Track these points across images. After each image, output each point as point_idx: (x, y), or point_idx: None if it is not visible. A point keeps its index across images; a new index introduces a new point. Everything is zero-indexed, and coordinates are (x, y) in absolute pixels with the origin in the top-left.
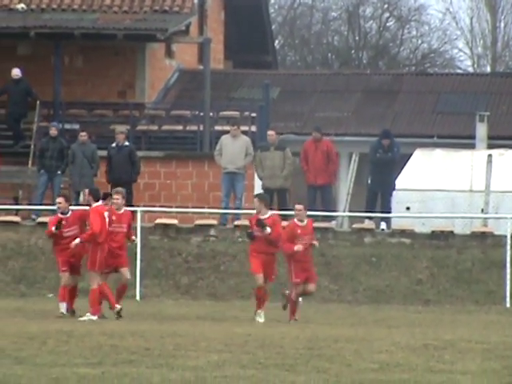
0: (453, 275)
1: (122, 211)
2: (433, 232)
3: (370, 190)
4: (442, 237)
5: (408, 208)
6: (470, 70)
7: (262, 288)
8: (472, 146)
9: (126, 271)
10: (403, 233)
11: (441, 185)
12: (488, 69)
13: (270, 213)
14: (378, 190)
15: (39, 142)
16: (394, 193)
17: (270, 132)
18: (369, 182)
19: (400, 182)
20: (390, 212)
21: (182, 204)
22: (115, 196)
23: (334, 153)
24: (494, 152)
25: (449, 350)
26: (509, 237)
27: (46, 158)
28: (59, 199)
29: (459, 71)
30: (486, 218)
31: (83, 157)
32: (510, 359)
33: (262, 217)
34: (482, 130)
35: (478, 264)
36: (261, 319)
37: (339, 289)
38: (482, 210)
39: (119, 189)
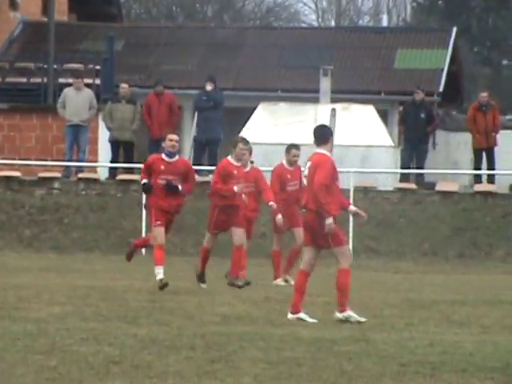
0: None
1: None
2: None
3: (196, 140)
4: None
5: (252, 162)
6: (315, 24)
7: None
8: (316, 100)
9: None
10: None
11: (284, 139)
12: (332, 23)
13: None
14: (204, 139)
15: None
16: None
17: (124, 85)
18: (195, 133)
19: (243, 135)
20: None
21: (25, 157)
22: None
23: (177, 105)
24: (338, 106)
25: (290, 303)
26: (352, 190)
27: None
28: (174, 136)
29: (304, 25)
30: None
31: None
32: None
33: None
34: (325, 83)
35: None
36: None
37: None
38: None
39: None
